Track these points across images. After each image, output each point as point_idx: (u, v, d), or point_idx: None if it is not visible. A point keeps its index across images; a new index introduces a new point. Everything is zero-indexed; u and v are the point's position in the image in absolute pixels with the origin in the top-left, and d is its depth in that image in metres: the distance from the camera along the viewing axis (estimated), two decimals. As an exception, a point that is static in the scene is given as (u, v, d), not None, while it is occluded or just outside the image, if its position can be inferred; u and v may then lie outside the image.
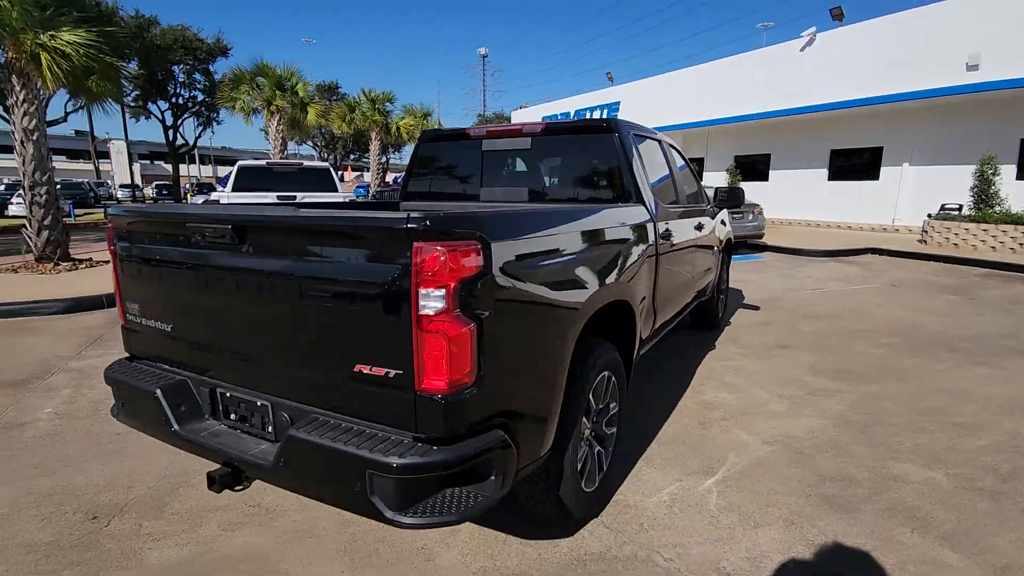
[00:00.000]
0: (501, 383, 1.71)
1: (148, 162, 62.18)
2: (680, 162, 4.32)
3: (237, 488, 1.94)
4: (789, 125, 17.15)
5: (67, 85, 8.66)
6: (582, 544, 2.30)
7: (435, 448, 1.57)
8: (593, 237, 2.28)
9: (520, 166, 3.53)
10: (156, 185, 30.42)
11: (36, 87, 8.30)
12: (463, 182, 3.71)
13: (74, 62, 8.05)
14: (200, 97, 28.33)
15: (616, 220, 2.56)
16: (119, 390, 2.22)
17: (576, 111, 25.51)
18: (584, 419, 2.29)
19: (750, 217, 11.40)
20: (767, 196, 18.24)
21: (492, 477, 1.71)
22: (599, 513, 2.51)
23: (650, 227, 3.03)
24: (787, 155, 17.91)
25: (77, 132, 44.18)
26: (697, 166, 20.15)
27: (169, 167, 36.43)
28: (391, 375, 1.59)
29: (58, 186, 32.33)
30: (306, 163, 9.41)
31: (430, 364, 1.53)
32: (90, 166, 41.62)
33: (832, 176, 16.81)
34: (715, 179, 18.97)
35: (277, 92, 14.70)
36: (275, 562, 2.19)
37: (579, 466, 2.27)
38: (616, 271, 2.42)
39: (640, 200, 3.09)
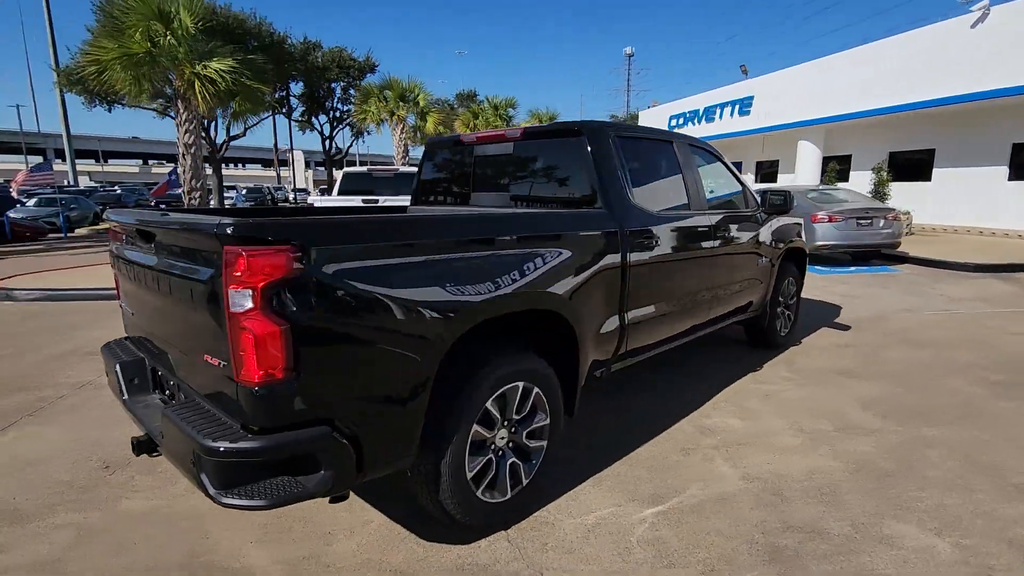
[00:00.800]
0: (329, 383, 1.78)
1: (323, 168, 70.99)
2: (703, 163, 3.97)
3: (154, 454, 2.24)
4: (958, 115, 14.53)
5: (215, 105, 10.28)
6: (473, 553, 2.28)
7: (248, 436, 1.70)
8: (471, 246, 2.21)
9: (505, 171, 3.52)
10: (295, 189, 34.55)
11: (194, 109, 9.97)
12: (459, 186, 3.80)
13: (219, 87, 9.53)
14: (352, 110, 31.60)
15: (526, 229, 2.46)
16: (104, 362, 2.67)
17: (705, 108, 24.06)
18: (481, 428, 2.27)
19: (880, 224, 9.93)
20: (927, 198, 15.68)
21: (321, 472, 1.79)
22: (509, 525, 2.45)
23: (613, 235, 2.86)
24: (955, 150, 15.20)
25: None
26: (841, 164, 17.98)
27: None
28: (221, 366, 1.76)
29: (244, 190, 37.81)
30: (402, 168, 10.11)
31: (243, 358, 1.66)
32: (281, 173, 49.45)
33: (1014, 175, 13.93)
34: (862, 179, 16.71)
35: (400, 103, 15.95)
36: (206, 523, 2.48)
37: (470, 474, 2.25)
38: (523, 280, 2.34)
39: (607, 205, 2.93)
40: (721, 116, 23.05)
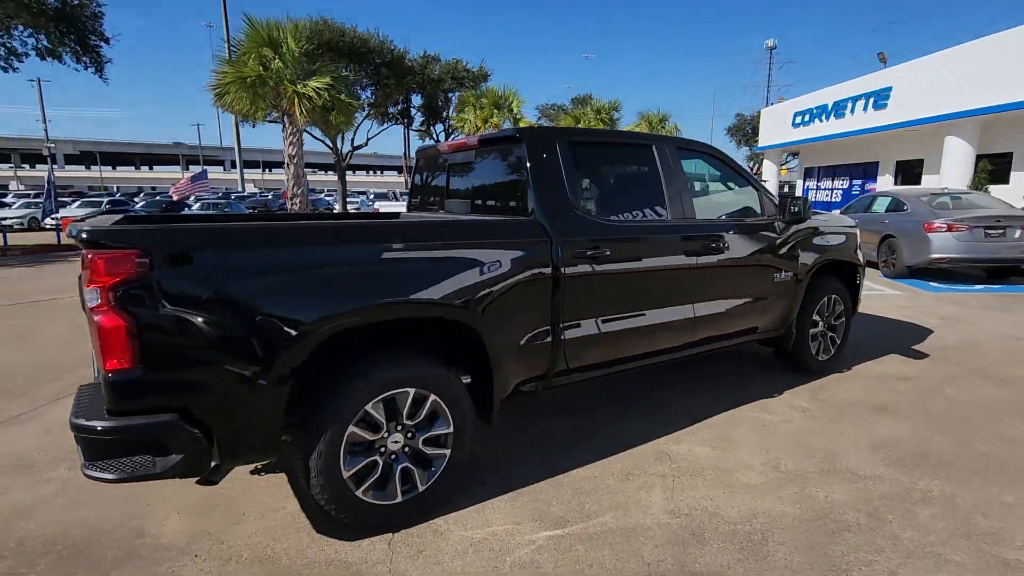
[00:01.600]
0: (177, 376, 1.97)
1: (442, 174, 75.20)
2: (702, 168, 3.67)
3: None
4: None
5: (315, 119, 11.38)
6: (349, 551, 2.36)
7: (105, 418, 1.94)
8: (335, 254, 2.28)
9: (468, 178, 3.54)
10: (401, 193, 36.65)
11: (296, 122, 11.13)
12: (438, 194, 3.88)
13: (315, 102, 10.53)
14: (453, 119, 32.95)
15: (418, 238, 2.47)
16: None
17: (834, 103, 21.67)
18: (360, 430, 2.34)
19: (1017, 234, 8.32)
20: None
21: (173, 455, 1.99)
22: (401, 528, 2.49)
23: (543, 245, 2.77)
24: None
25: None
26: (996, 164, 15.30)
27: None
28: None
29: (367, 194, 40.48)
30: None
31: (100, 349, 1.90)
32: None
33: None
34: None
35: (495, 111, 16.40)
36: (154, 494, 2.82)
37: (347, 473, 2.33)
38: (406, 289, 2.37)
39: (541, 214, 2.85)
40: (852, 111, 20.65)
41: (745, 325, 3.93)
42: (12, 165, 66.76)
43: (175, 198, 20.02)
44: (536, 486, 2.85)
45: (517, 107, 16.74)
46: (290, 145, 11.15)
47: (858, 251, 4.70)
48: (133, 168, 78.92)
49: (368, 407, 2.34)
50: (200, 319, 1.98)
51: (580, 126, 21.99)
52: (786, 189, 42.61)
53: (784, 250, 4.00)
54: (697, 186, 4.29)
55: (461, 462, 2.64)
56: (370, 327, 2.36)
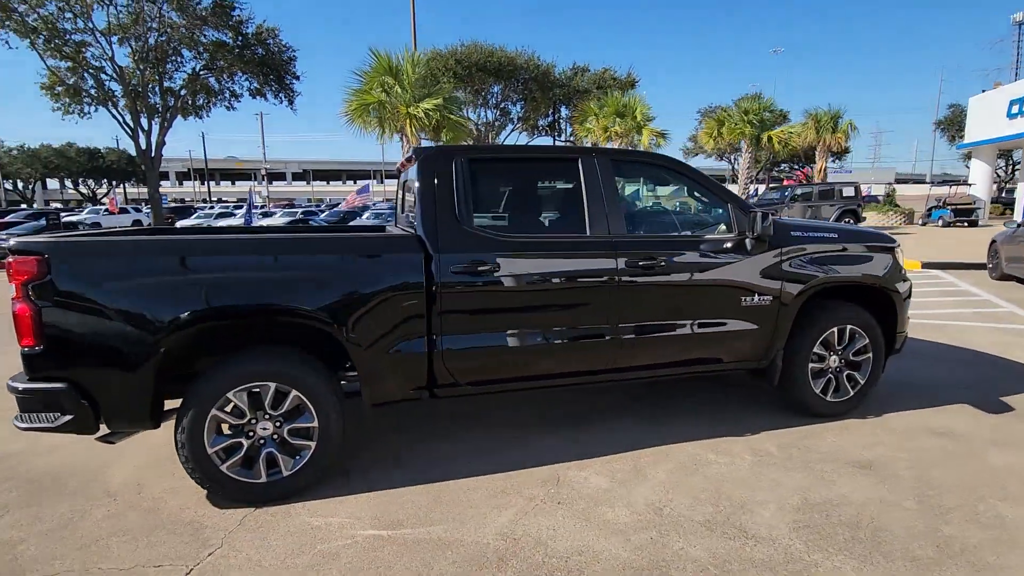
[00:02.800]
0: (65, 354, 2.55)
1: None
2: (650, 181, 3.44)
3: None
4: None
5: (431, 137, 12.42)
6: (208, 515, 2.75)
7: (22, 381, 2.59)
8: (190, 263, 2.70)
9: (409, 194, 3.75)
10: None
11: (410, 140, 12.27)
12: (401, 207, 4.17)
13: (424, 123, 11.54)
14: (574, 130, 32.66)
15: (283, 251, 2.80)
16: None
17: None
18: (224, 414, 2.73)
19: None
20: None
21: (67, 415, 2.58)
22: (263, 505, 2.83)
23: (415, 259, 2.92)
24: None
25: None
26: None
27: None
28: (27, 335, 2.70)
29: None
30: None
31: (15, 328, 2.56)
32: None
33: None
34: None
35: (617, 119, 16.15)
36: (131, 448, 3.53)
37: (212, 449, 2.73)
38: (264, 294, 2.71)
39: (424, 229, 2.99)
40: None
41: (700, 354, 3.55)
42: (256, 182, 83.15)
43: (344, 209, 23.19)
44: (402, 490, 2.98)
45: (642, 114, 16.24)
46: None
47: (895, 274, 3.90)
48: (341, 183, 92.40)
49: (230, 395, 2.72)
50: (81, 312, 2.54)
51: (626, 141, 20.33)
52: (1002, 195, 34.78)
53: (757, 269, 3.53)
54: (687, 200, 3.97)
55: (328, 455, 2.90)
56: (232, 326, 2.75)
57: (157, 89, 21.03)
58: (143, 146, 19.75)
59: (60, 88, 19.89)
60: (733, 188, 22.21)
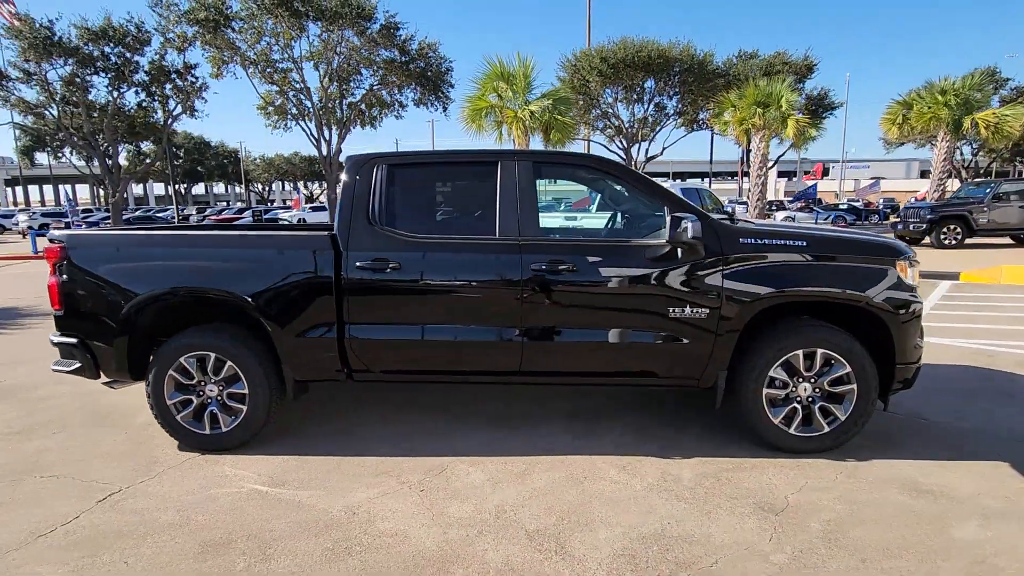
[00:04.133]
0: (75, 317, 3.44)
1: (788, 179, 67.94)
2: (575, 183, 3.36)
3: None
4: None
5: (540, 134, 12.74)
6: (165, 457, 3.46)
7: (53, 335, 3.55)
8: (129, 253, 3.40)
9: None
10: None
11: (517, 141, 12.68)
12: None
13: (530, 125, 11.87)
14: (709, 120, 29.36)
15: (225, 245, 3.37)
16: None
17: None
18: (179, 376, 3.41)
19: None
20: None
21: (77, 363, 3.49)
22: (205, 452, 3.46)
23: (328, 254, 3.30)
24: None
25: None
26: None
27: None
28: (66, 300, 3.67)
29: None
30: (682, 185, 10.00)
31: (49, 297, 3.52)
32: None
33: None
34: None
35: (758, 110, 14.67)
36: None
37: (170, 402, 3.43)
38: (188, 282, 3.33)
39: (339, 228, 3.35)
40: None
41: (626, 366, 3.36)
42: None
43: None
44: (311, 458, 3.39)
45: (787, 104, 14.43)
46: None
47: (894, 291, 3.22)
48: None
49: (182, 359, 3.40)
50: (83, 286, 3.40)
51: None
52: None
53: (689, 279, 3.22)
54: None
55: (257, 418, 3.44)
56: (183, 304, 3.41)
57: (343, 104, 24.54)
58: (324, 153, 23.21)
59: (271, 108, 24.34)
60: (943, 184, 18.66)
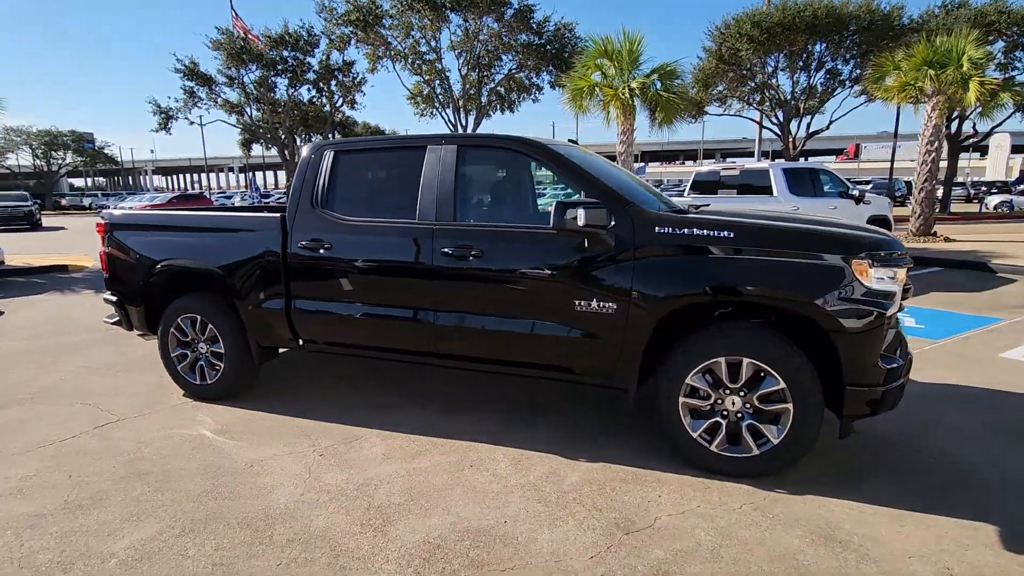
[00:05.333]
0: (117, 280, 4.28)
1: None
2: (494, 168, 3.32)
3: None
4: None
5: (647, 113, 12.06)
6: (171, 400, 4.18)
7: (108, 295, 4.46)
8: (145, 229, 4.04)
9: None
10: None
11: (620, 122, 12.09)
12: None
13: (629, 103, 11.28)
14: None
15: (211, 224, 3.90)
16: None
17: None
18: (176, 333, 4.09)
19: None
20: None
21: (118, 316, 4.36)
22: (197, 400, 4.11)
23: (277, 234, 3.66)
24: None
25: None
26: None
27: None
28: (119, 268, 4.56)
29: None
30: (749, 165, 8.85)
31: (101, 264, 4.42)
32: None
33: None
34: None
35: (928, 71, 12.08)
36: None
37: (173, 354, 4.14)
38: (181, 255, 3.91)
39: (290, 212, 3.69)
40: None
41: (539, 358, 3.23)
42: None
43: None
44: (262, 414, 3.82)
45: (967, 63, 11.50)
46: (620, 144, 12.23)
47: (845, 297, 2.62)
48: (679, 163, 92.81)
49: (179, 320, 4.06)
50: (119, 255, 4.21)
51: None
52: None
53: (597, 270, 2.97)
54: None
55: (234, 373, 3.97)
56: (181, 275, 4.05)
57: (483, 90, 25.61)
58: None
59: (419, 97, 26.28)
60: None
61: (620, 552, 2.33)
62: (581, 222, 2.82)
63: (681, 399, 2.92)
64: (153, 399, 4.16)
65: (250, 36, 23.51)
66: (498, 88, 26.14)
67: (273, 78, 23.43)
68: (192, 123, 26.83)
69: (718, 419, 2.89)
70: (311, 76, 23.74)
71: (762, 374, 2.78)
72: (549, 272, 3.08)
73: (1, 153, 40.41)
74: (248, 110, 24.87)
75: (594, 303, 2.99)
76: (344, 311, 3.59)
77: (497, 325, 3.25)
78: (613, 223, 2.94)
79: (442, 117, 24.61)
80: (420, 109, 26.73)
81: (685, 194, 9.86)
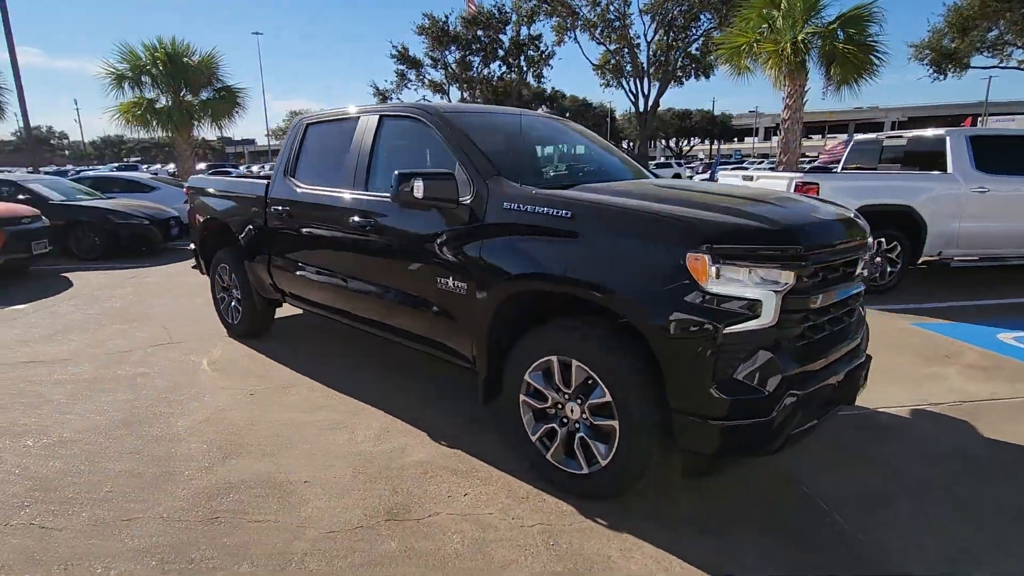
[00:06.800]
0: (195, 231, 5.34)
1: None
2: (411, 136, 3.33)
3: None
4: None
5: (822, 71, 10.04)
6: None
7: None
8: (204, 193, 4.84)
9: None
10: None
11: (788, 83, 10.21)
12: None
13: (791, 59, 9.48)
14: None
15: (225, 187, 4.61)
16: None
17: None
18: (218, 277, 4.97)
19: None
20: None
21: (196, 260, 5.45)
22: (235, 338, 4.97)
23: (261, 202, 4.18)
24: None
25: None
26: None
27: None
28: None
29: None
30: (921, 133, 6.73)
31: (188, 221, 5.53)
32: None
33: None
34: None
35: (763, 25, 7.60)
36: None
37: (216, 296, 5.04)
38: (217, 213, 4.67)
39: (273, 182, 4.16)
40: None
41: (422, 331, 3.16)
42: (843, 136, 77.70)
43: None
44: (255, 355, 4.46)
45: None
46: (786, 109, 10.29)
47: (669, 293, 2.04)
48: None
49: (219, 268, 4.91)
50: (195, 213, 5.20)
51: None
52: None
53: (449, 246, 2.78)
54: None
55: (246, 318, 4.71)
56: (217, 230, 4.86)
57: (676, 55, 23.97)
58: (640, 109, 23.32)
59: (607, 67, 25.68)
60: None
61: (363, 534, 2.27)
62: (419, 194, 2.66)
63: (522, 396, 2.61)
64: (189, 332, 5.12)
65: (470, 5, 25.44)
66: (691, 51, 24.15)
67: (469, 57, 25.19)
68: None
69: (555, 425, 2.53)
70: (501, 53, 24.90)
71: (590, 381, 2.34)
72: (418, 245, 2.98)
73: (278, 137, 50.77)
74: (450, 88, 27.24)
75: (450, 281, 2.82)
76: (298, 271, 3.96)
77: (384, 294, 3.28)
78: (469, 198, 2.72)
79: (623, 87, 23.73)
80: (606, 80, 26.18)
81: (838, 169, 8.02)
